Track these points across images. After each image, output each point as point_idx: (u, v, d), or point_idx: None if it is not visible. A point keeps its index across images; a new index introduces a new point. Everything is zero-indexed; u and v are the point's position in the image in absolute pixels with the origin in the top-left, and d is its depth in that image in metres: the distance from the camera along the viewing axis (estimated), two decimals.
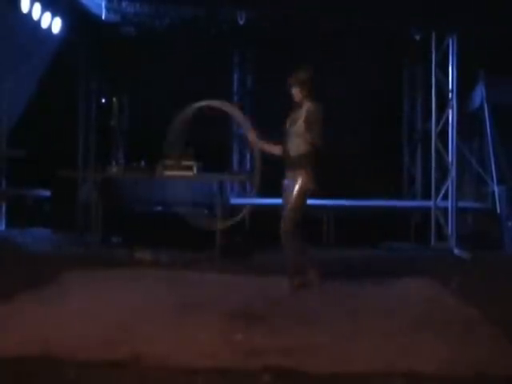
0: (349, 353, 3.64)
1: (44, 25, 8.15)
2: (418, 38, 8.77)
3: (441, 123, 8.51)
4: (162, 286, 5.29)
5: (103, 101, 9.58)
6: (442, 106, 8.53)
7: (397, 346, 3.76)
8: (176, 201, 8.25)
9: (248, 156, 10.35)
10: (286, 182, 5.56)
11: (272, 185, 9.48)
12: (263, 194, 9.58)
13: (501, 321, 4.30)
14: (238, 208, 8.46)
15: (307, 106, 5.46)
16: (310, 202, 8.73)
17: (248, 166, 10.31)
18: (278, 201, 8.91)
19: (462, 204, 8.52)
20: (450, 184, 8.37)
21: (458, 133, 8.40)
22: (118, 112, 8.72)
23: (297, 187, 5.37)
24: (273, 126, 9.91)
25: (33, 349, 3.51)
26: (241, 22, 8.64)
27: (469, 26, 7.93)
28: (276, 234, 7.56)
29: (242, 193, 9.96)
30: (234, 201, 8.88)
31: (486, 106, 8.76)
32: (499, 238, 8.06)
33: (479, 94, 8.95)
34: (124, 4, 8.99)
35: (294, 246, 5.40)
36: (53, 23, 8.34)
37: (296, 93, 5.54)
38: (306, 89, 5.49)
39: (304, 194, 5.40)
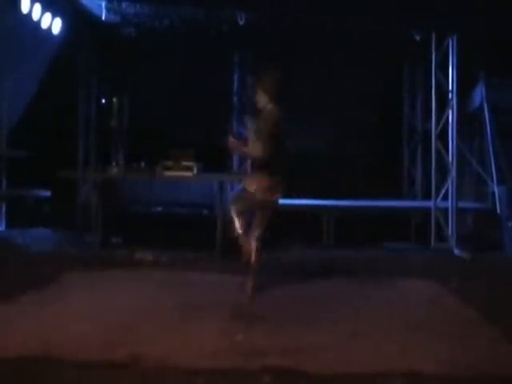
0: (349, 353, 3.64)
1: (44, 25, 8.15)
2: (418, 38, 8.77)
3: (441, 123, 8.50)
4: (162, 287, 5.29)
5: (103, 101, 9.58)
6: (442, 106, 8.52)
7: (397, 346, 3.76)
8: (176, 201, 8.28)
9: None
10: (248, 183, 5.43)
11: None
12: None
13: (500, 321, 4.31)
14: None
15: (270, 108, 5.36)
16: (310, 201, 8.83)
17: (248, 166, 10.29)
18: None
19: (462, 204, 8.51)
20: (450, 184, 8.37)
21: (457, 133, 8.40)
22: (118, 112, 8.72)
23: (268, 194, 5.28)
24: None
25: (33, 349, 3.52)
26: (241, 23, 8.64)
27: (469, 26, 7.93)
28: (276, 234, 7.59)
29: None
30: None
31: (485, 106, 8.75)
32: (499, 239, 8.05)
33: (479, 94, 8.95)
34: (124, 5, 8.99)
35: None
36: (53, 24, 8.33)
37: (260, 98, 5.43)
38: (271, 92, 5.39)
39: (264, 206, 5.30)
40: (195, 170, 7.27)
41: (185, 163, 7.28)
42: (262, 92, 5.42)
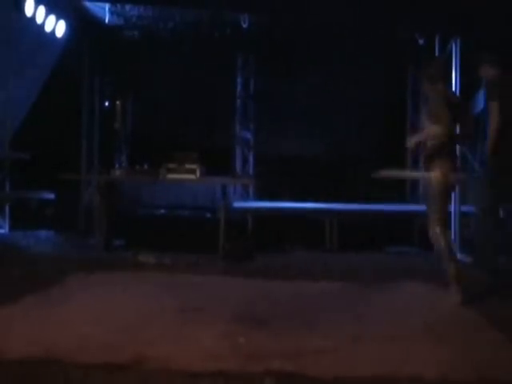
0: (352, 357, 3.63)
1: (48, 28, 8.18)
2: (421, 42, 8.79)
3: None
4: (165, 289, 5.29)
5: (106, 104, 9.61)
6: None
7: (400, 350, 3.75)
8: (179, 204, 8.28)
9: (251, 159, 10.35)
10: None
11: (274, 188, 9.59)
12: (264, 197, 9.64)
13: (504, 325, 4.30)
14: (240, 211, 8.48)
15: (439, 88, 5.20)
16: (313, 205, 8.82)
17: (251, 169, 10.31)
18: (280, 204, 9.01)
19: (465, 208, 8.49)
20: None
21: None
22: (122, 115, 8.75)
23: (432, 184, 5.08)
24: (275, 127, 9.98)
25: (36, 351, 3.52)
26: (244, 26, 8.65)
27: (472, 29, 7.93)
28: (277, 236, 7.58)
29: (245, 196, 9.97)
30: (237, 204, 8.88)
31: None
32: (502, 243, 8.03)
33: (482, 97, 8.93)
34: (127, 7, 9.02)
35: (443, 249, 5.12)
36: (56, 26, 8.36)
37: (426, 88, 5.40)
38: (434, 79, 5.27)
39: (441, 190, 5.05)
40: (198, 173, 7.28)
41: (188, 166, 7.29)
42: (430, 75, 5.31)
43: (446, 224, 5.21)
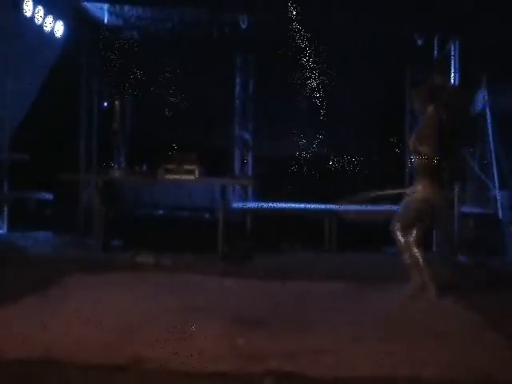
0: (350, 357, 3.63)
1: (47, 28, 8.17)
2: (420, 42, 8.78)
3: None
4: (164, 290, 5.29)
5: (105, 104, 9.59)
6: None
7: (398, 350, 3.75)
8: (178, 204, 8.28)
9: (249, 160, 10.34)
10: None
11: (272, 189, 9.58)
12: (264, 198, 9.64)
13: (502, 326, 4.30)
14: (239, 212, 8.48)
15: (430, 111, 5.35)
16: (312, 205, 8.82)
17: (249, 170, 10.30)
18: (279, 204, 9.00)
19: (463, 209, 8.50)
20: None
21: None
22: (120, 115, 8.74)
23: (411, 197, 5.33)
24: (274, 128, 9.98)
25: (34, 351, 3.52)
26: (243, 26, 8.64)
27: (471, 30, 7.93)
28: (276, 237, 7.57)
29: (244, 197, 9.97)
30: (236, 205, 8.88)
31: (487, 110, 8.74)
32: (501, 244, 8.04)
33: (481, 98, 8.94)
34: (126, 8, 9.00)
35: (401, 247, 5.37)
36: (55, 27, 8.36)
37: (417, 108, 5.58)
38: (424, 100, 5.43)
39: (416, 206, 5.29)
40: (197, 174, 7.28)
41: (187, 166, 7.29)
42: (420, 98, 5.50)
43: (406, 231, 5.36)
